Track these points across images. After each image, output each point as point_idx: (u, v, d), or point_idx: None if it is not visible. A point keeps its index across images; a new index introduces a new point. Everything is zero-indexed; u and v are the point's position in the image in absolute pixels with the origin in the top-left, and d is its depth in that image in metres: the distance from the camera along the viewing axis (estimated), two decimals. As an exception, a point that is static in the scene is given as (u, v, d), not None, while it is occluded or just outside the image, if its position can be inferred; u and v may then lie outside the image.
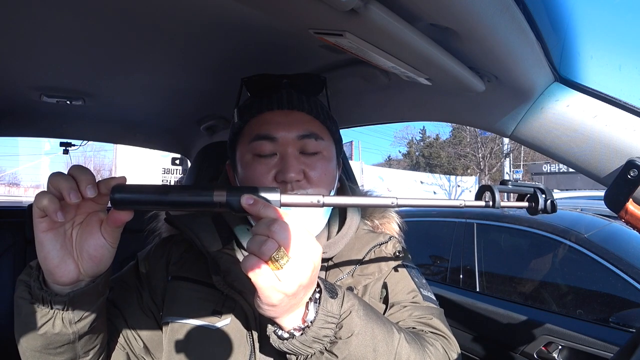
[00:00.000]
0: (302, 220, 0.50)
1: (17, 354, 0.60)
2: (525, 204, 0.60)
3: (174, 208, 0.51)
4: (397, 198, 0.51)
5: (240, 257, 0.72)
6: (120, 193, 0.48)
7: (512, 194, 0.63)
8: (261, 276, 0.46)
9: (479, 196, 0.58)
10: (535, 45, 0.61)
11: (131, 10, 0.73)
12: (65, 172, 0.49)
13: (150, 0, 0.69)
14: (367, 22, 0.50)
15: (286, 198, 0.49)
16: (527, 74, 0.67)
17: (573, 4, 0.63)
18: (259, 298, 0.48)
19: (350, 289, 0.71)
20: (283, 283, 0.46)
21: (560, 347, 1.79)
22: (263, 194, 0.49)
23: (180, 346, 0.66)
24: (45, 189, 0.49)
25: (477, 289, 2.37)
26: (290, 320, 0.51)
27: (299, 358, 0.52)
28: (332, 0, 0.46)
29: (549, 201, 0.59)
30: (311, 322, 0.51)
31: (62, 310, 0.54)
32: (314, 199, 0.49)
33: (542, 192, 0.59)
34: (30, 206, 2.40)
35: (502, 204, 0.56)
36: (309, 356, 0.52)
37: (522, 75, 0.67)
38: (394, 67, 0.66)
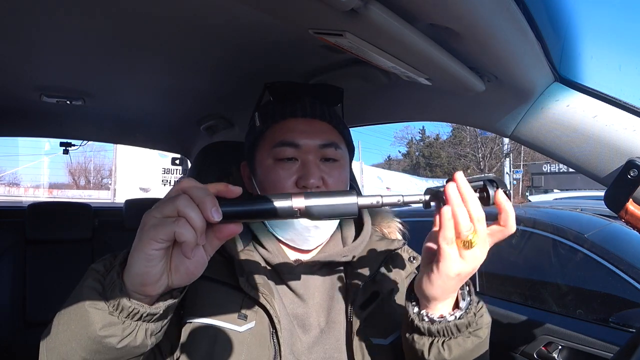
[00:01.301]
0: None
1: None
2: (476, 194, 0.56)
3: (248, 219, 0.51)
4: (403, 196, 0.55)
5: (258, 258, 0.72)
6: None
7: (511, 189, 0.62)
8: (451, 248, 0.52)
9: (427, 203, 0.56)
10: (535, 45, 0.61)
11: (131, 11, 0.73)
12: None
13: (150, 1, 0.69)
14: (367, 22, 0.50)
15: (362, 200, 0.52)
16: (527, 74, 0.68)
17: (573, 4, 0.63)
18: (437, 268, 0.54)
19: (376, 293, 0.72)
20: (465, 262, 0.53)
21: (560, 347, 1.79)
22: (341, 197, 0.52)
23: (204, 348, 0.64)
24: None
25: (477, 289, 2.37)
26: (444, 306, 0.58)
27: (435, 340, 0.58)
28: (332, 0, 0.46)
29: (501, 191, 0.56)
30: (466, 308, 0.58)
31: (149, 322, 0.50)
32: (375, 199, 0.53)
33: (492, 182, 0.56)
34: (31, 206, 2.39)
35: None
36: (452, 338, 0.57)
37: (522, 75, 0.68)
38: (394, 67, 0.66)
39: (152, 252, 0.45)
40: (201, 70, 1.06)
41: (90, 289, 0.49)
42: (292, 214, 0.50)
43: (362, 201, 0.52)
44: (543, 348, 1.84)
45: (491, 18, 0.51)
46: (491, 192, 0.55)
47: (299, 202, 0.49)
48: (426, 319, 0.58)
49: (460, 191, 0.53)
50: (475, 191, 0.56)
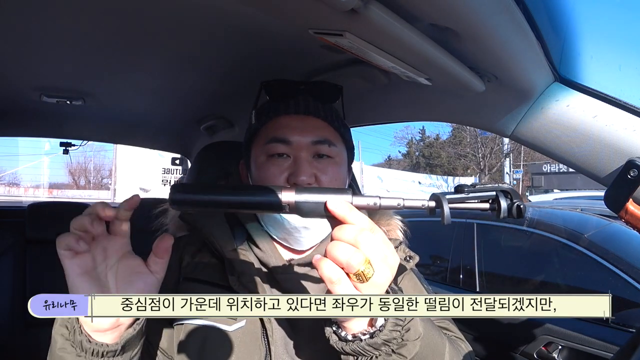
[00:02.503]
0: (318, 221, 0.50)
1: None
2: (486, 205, 0.51)
3: (235, 209, 0.50)
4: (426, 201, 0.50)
5: (253, 257, 0.73)
6: (180, 192, 0.48)
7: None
8: (341, 286, 0.46)
9: (432, 210, 0.50)
10: (535, 45, 0.61)
11: (131, 11, 0.73)
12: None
13: (150, 1, 0.69)
14: (367, 22, 0.50)
15: (357, 200, 0.48)
16: (527, 74, 0.67)
17: (573, 4, 0.63)
18: None
19: None
20: (365, 291, 0.47)
21: (560, 347, 1.79)
22: (334, 195, 0.48)
23: (193, 348, 0.65)
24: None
25: (477, 289, 2.37)
26: (357, 324, 0.51)
27: (358, 359, 0.52)
28: (332, 0, 0.46)
29: (515, 205, 0.50)
30: (382, 326, 0.50)
31: (114, 356, 0.53)
32: (372, 200, 0.49)
33: (506, 194, 0.50)
34: (31, 206, 2.38)
35: (454, 205, 0.49)
36: (373, 357, 0.51)
37: (522, 75, 0.67)
38: (394, 67, 0.66)
39: (76, 279, 0.49)
40: (201, 71, 1.06)
41: (58, 335, 0.53)
42: (280, 207, 0.48)
43: (357, 201, 0.48)
44: (543, 348, 1.84)
45: (491, 18, 0.51)
46: (504, 204, 0.50)
47: (288, 197, 0.48)
48: (338, 339, 0.52)
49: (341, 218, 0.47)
50: (487, 202, 0.51)
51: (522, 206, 0.50)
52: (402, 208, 0.50)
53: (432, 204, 0.49)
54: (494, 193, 0.51)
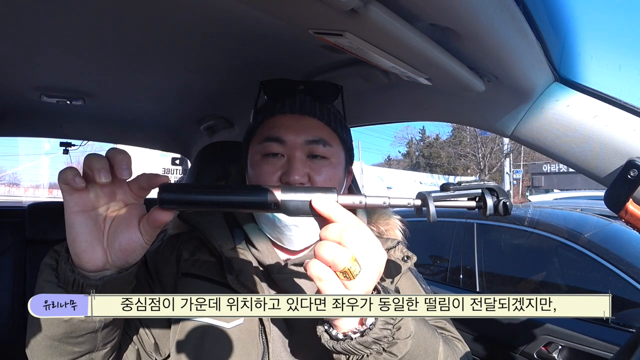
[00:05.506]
0: (308, 220, 0.50)
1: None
2: (472, 203, 0.51)
3: (224, 208, 0.51)
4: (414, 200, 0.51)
5: (250, 257, 0.73)
6: (168, 192, 0.48)
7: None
8: (328, 283, 0.45)
9: (418, 208, 0.50)
10: (535, 45, 0.61)
11: (131, 11, 0.73)
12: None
13: (150, 2, 0.69)
14: (367, 22, 0.50)
15: (342, 199, 0.49)
16: (527, 74, 0.68)
17: (573, 4, 0.63)
18: None
19: None
20: (350, 291, 0.46)
21: (560, 347, 1.79)
22: (319, 194, 0.48)
23: (191, 345, 0.65)
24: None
25: (477, 289, 2.37)
26: (348, 323, 0.50)
27: (350, 358, 0.51)
28: (332, 0, 0.46)
29: (500, 202, 0.50)
30: (372, 324, 0.50)
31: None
32: (357, 199, 0.49)
33: (492, 192, 0.50)
34: (31, 206, 2.38)
35: (439, 203, 0.49)
36: (364, 356, 0.51)
37: (522, 75, 0.68)
38: (394, 67, 0.66)
39: (70, 216, 0.49)
40: (201, 70, 1.06)
41: (46, 265, 0.53)
42: (267, 206, 0.48)
43: (342, 200, 0.48)
44: (543, 348, 1.84)
45: (491, 18, 0.51)
46: (490, 202, 0.50)
47: (275, 195, 0.48)
48: (330, 337, 0.51)
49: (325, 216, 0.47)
50: (473, 199, 0.51)
51: (508, 203, 0.50)
52: (387, 207, 0.50)
53: (418, 202, 0.50)
54: (479, 191, 0.51)
